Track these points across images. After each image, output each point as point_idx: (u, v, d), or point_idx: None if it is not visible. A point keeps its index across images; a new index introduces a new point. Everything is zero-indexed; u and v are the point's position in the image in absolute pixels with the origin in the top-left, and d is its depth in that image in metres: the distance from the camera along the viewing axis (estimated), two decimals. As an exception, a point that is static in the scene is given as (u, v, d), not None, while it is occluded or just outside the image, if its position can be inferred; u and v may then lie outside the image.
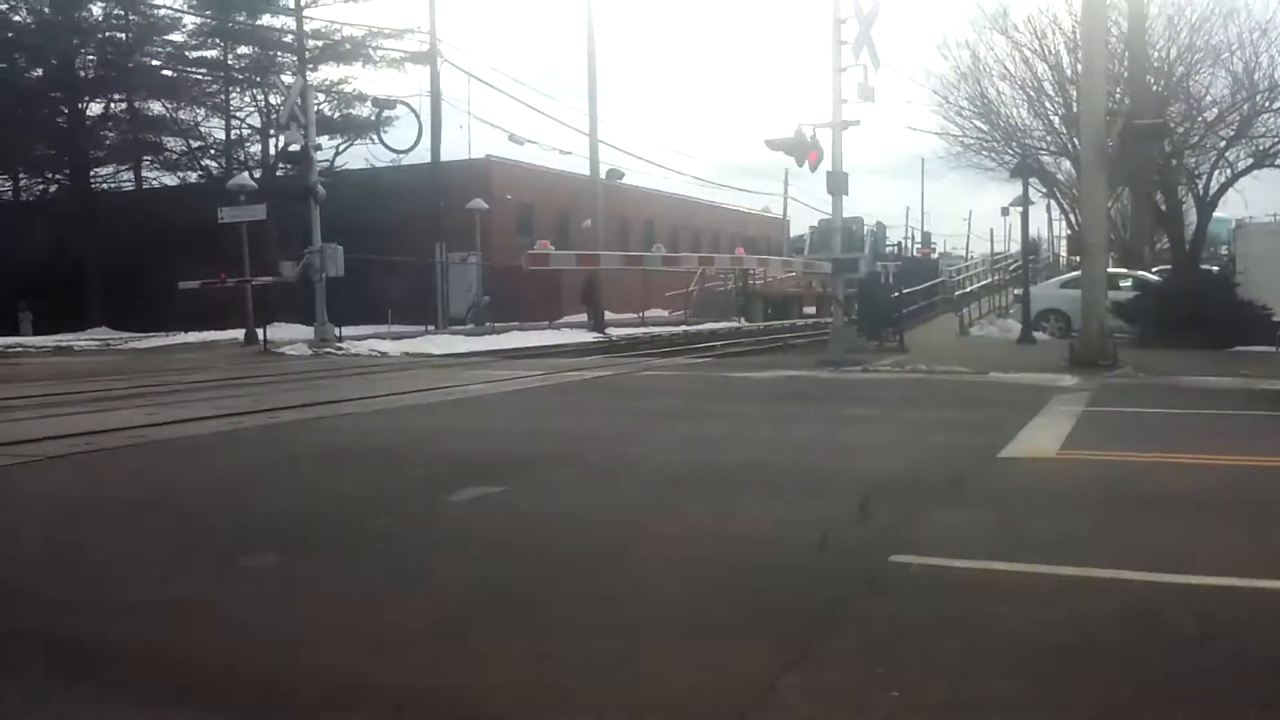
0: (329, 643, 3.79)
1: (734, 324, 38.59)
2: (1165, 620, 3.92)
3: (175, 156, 46.86)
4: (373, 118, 40.27)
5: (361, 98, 42.17)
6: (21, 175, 48.39)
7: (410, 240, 35.16)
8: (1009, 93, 28.60)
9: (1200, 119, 24.66)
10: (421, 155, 33.79)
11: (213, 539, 5.45)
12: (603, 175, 34.39)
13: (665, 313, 41.89)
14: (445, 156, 35.99)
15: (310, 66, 40.88)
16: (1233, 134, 24.01)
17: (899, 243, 47.13)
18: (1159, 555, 4.83)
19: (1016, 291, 30.87)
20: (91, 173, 46.73)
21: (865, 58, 17.47)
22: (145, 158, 47.21)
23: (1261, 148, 24.10)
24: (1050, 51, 26.87)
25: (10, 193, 48.96)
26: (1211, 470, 7.22)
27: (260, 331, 26.01)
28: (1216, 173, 24.97)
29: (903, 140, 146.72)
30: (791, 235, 62.17)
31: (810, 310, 46.66)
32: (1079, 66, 21.08)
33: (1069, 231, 36.31)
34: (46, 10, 44.64)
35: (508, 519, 5.88)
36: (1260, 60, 23.38)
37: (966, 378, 14.91)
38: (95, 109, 46.52)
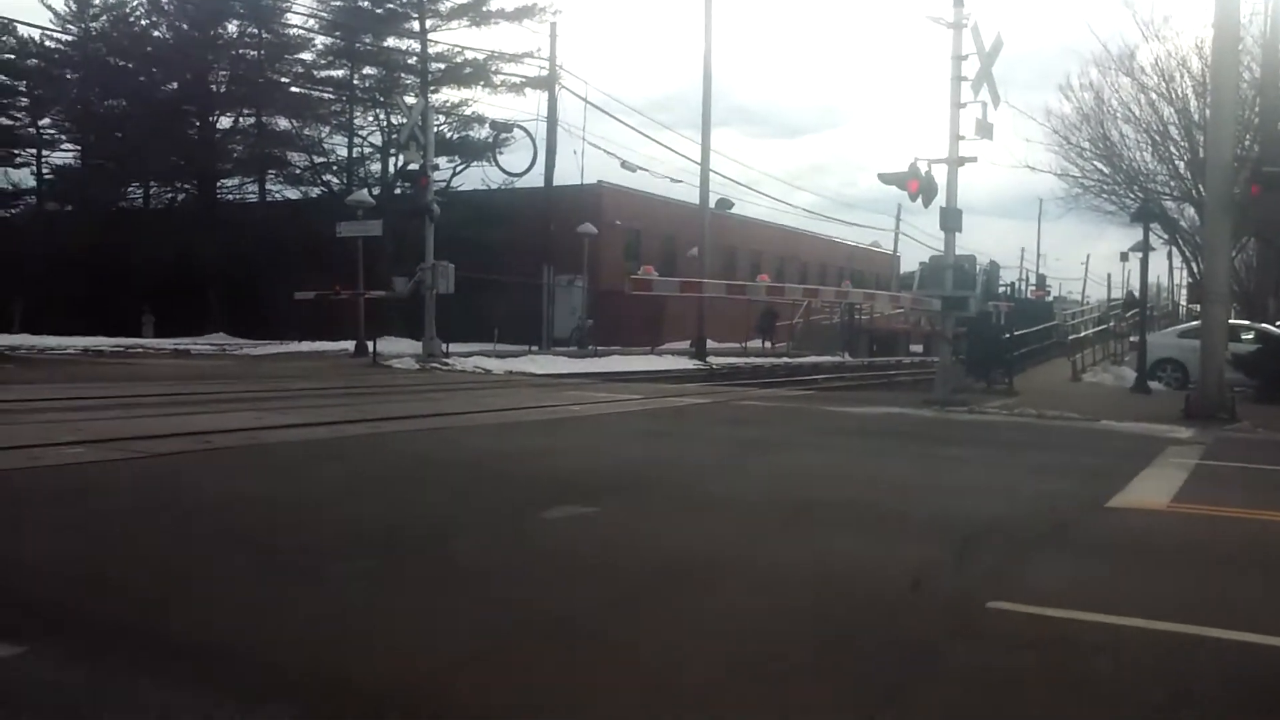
0: (378, 648, 3.80)
1: (838, 358, 38.15)
2: (1267, 684, 3.73)
3: (298, 171, 48.37)
4: (490, 140, 41.27)
5: (480, 120, 43.14)
6: (152, 184, 50.36)
7: (519, 261, 35.67)
8: (1132, 135, 27.90)
9: (1335, 168, 23.67)
10: (535, 179, 34.32)
11: (305, 543, 5.54)
12: (712, 204, 34.40)
13: (768, 344, 41.65)
14: (558, 181, 36.34)
15: (432, 88, 41.83)
16: (1369, 184, 22.97)
17: (1012, 283, 46.14)
18: (1267, 615, 4.60)
19: (1133, 339, 29.93)
20: (218, 184, 48.47)
21: (985, 94, 17.14)
22: (270, 171, 48.81)
23: (1399, 200, 23.05)
24: (1178, 95, 26.09)
25: (140, 200, 50.97)
26: (1334, 533, 6.88)
27: (370, 344, 26.56)
28: (1349, 224, 23.95)
29: (1020, 180, 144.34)
30: (902, 271, 61.38)
31: (917, 348, 45.91)
32: (1207, 111, 20.43)
33: (1189, 280, 35.14)
34: (185, 27, 46.55)
35: (597, 540, 5.87)
36: (1400, 108, 22.42)
37: (1077, 424, 14.49)
38: (225, 123, 48.42)
